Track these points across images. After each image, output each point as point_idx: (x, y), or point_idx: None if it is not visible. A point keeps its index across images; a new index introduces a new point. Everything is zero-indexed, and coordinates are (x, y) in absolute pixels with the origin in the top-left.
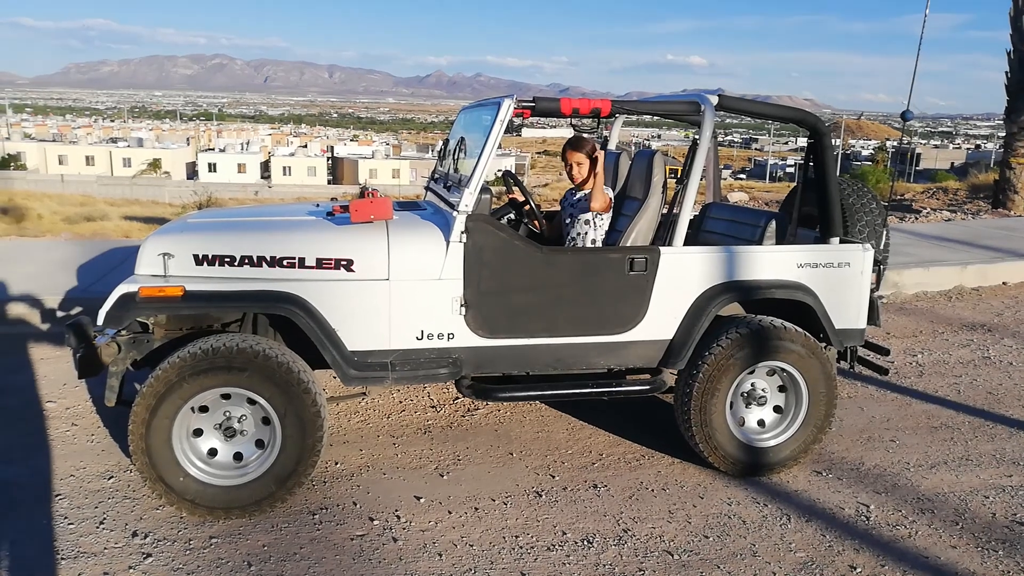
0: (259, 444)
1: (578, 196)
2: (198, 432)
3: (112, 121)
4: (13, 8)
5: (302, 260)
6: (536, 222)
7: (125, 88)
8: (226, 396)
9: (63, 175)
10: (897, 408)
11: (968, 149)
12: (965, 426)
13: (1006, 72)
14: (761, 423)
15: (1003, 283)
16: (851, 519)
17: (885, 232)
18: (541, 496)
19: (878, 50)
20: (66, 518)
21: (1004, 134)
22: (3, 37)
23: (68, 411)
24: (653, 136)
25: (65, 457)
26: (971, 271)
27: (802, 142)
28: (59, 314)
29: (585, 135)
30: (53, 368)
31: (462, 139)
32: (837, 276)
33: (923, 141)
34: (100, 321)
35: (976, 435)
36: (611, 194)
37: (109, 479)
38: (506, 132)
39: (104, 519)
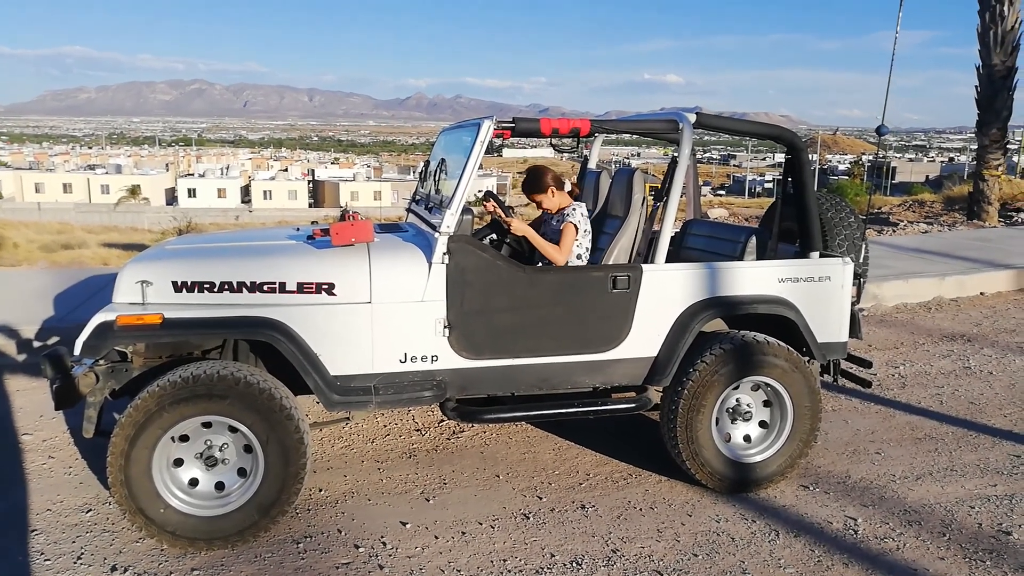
0: (241, 473)
1: (553, 219)
2: (179, 462)
3: (90, 148)
4: None
5: (283, 285)
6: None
7: (103, 115)
8: (207, 424)
9: (40, 203)
10: (881, 420)
11: (942, 162)
12: (949, 436)
13: (976, 87)
14: (747, 438)
15: (980, 293)
16: (839, 533)
17: (864, 245)
18: (529, 518)
19: (852, 66)
20: (43, 554)
21: (976, 147)
22: None
23: (45, 443)
24: (633, 154)
25: (42, 491)
26: (949, 282)
27: (780, 158)
28: (36, 344)
29: (539, 164)
30: (29, 399)
31: (443, 160)
32: (818, 290)
33: (898, 155)
34: (77, 351)
35: (960, 445)
36: (574, 219)
37: (87, 512)
38: (487, 152)
39: (82, 554)
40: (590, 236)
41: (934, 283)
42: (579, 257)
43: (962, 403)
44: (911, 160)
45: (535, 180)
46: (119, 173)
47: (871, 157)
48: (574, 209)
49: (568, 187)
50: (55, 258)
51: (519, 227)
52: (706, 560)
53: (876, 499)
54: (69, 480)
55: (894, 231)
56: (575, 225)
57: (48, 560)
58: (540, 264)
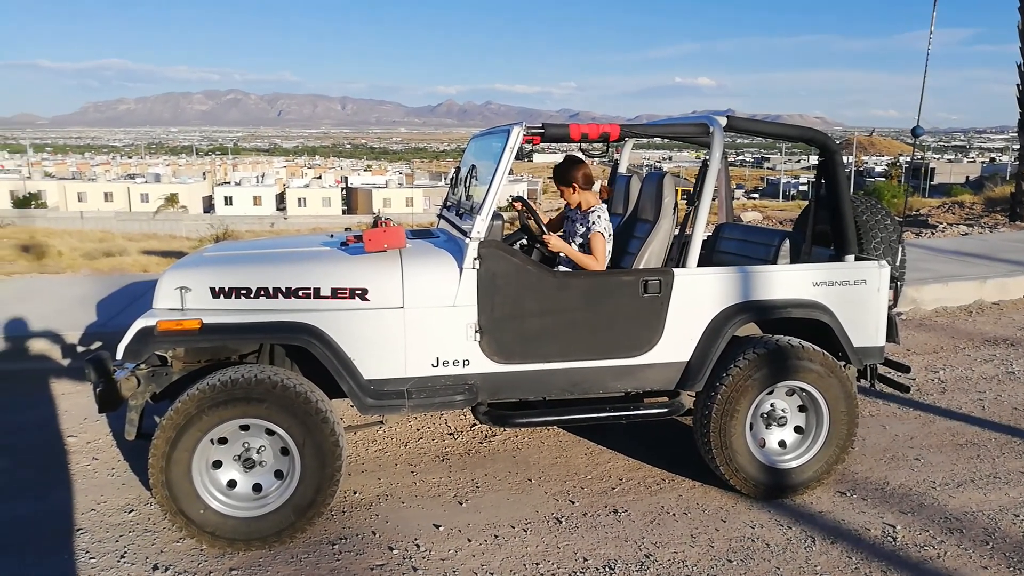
0: (278, 475)
1: (577, 219)
2: (217, 464)
3: (130, 158)
4: (32, 51)
5: (317, 290)
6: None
7: (142, 125)
8: (244, 427)
9: (82, 212)
10: (920, 426)
11: (983, 162)
12: (991, 443)
13: (1017, 85)
14: (782, 444)
15: None
16: (877, 540)
17: (901, 248)
18: (561, 522)
19: (886, 67)
20: (87, 552)
21: (1018, 147)
22: (23, 79)
23: (89, 445)
24: (664, 158)
25: (86, 491)
26: (991, 285)
27: (814, 160)
28: (79, 349)
29: (574, 156)
30: (74, 403)
31: (473, 167)
32: (853, 294)
33: (936, 156)
34: (119, 355)
35: (1003, 452)
36: (600, 227)
37: (130, 512)
38: (517, 158)
39: (125, 553)
40: (612, 239)
41: (975, 286)
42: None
43: (1005, 409)
44: (950, 161)
45: (563, 173)
46: (158, 182)
47: (908, 158)
48: (599, 216)
49: (596, 187)
50: (97, 265)
51: (556, 245)
52: (740, 566)
53: (915, 506)
54: (112, 481)
55: (933, 233)
56: (602, 234)
57: (93, 559)
58: (560, 265)
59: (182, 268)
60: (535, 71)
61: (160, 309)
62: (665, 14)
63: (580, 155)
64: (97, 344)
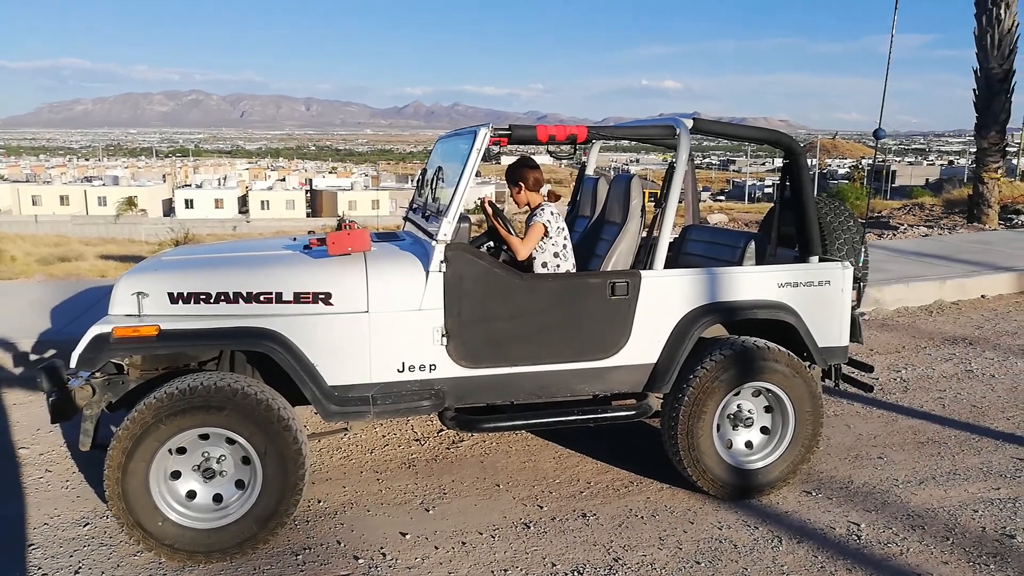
0: (239, 485)
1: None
2: (176, 474)
3: (87, 160)
4: None
5: (279, 295)
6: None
7: (100, 127)
8: (204, 436)
9: (37, 216)
10: (884, 424)
11: (942, 165)
12: (951, 440)
13: (974, 90)
14: (749, 445)
15: (982, 296)
16: (842, 538)
17: (864, 249)
18: (529, 528)
19: (850, 70)
20: (40, 569)
21: (975, 150)
22: None
23: (42, 457)
24: (631, 161)
25: (39, 505)
26: (950, 285)
27: (779, 163)
28: (32, 357)
29: (527, 157)
30: (26, 413)
31: (440, 168)
32: (818, 295)
33: (897, 158)
34: (74, 363)
35: (963, 449)
36: (543, 219)
37: (85, 526)
38: (484, 160)
39: (80, 568)
40: (566, 234)
41: (935, 286)
42: (556, 256)
43: (965, 407)
44: (911, 163)
45: (512, 171)
46: (116, 185)
47: (870, 161)
48: (542, 209)
49: (544, 191)
50: (52, 270)
51: (501, 231)
52: (709, 567)
53: (879, 504)
54: (66, 494)
55: (894, 235)
56: (544, 224)
57: (46, 575)
58: (503, 258)
59: (139, 273)
60: (503, 73)
61: (116, 315)
62: (631, 17)
63: (533, 159)
64: (51, 352)
